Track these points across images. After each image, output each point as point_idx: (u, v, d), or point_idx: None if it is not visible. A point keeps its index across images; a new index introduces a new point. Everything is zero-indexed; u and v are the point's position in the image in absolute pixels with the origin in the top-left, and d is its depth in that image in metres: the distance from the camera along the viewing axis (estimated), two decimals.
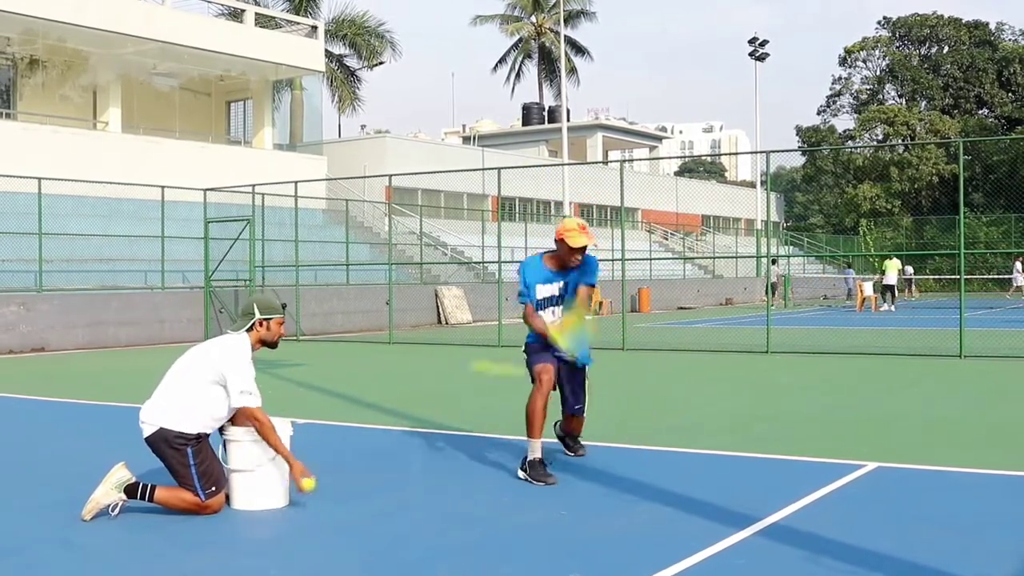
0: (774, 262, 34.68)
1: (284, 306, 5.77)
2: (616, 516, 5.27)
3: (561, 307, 6.41)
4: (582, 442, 6.97)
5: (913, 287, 42.95)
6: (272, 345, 5.67)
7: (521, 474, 6.17)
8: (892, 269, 29.69)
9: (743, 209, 51.75)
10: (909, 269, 42.73)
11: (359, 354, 17.31)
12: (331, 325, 22.96)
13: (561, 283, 6.37)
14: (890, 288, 29.81)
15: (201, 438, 5.38)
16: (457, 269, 30.51)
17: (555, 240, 6.27)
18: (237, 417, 5.48)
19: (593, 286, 6.40)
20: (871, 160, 57.63)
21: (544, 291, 6.37)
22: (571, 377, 6.51)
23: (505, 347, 17.70)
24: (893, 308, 29.60)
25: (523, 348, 6.50)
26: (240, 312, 5.71)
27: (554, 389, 6.36)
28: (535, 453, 6.14)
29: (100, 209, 23.22)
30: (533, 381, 6.30)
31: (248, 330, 5.56)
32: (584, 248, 6.20)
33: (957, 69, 59.35)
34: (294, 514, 5.39)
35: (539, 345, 6.36)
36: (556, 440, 6.96)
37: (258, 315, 5.57)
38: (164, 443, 5.32)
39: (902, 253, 42.87)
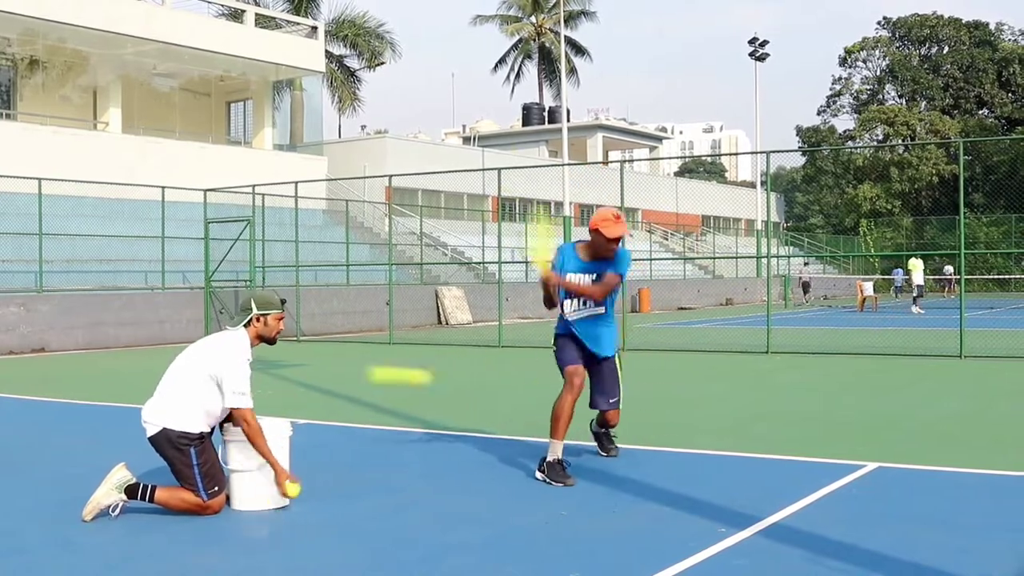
0: (805, 263, 36.18)
1: (283, 301, 5.72)
2: (616, 516, 5.27)
3: (587, 299, 6.25)
4: (617, 445, 6.94)
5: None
6: (270, 341, 5.64)
7: (539, 475, 6.05)
8: (917, 269, 29.53)
9: (743, 209, 51.76)
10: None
11: (359, 354, 17.29)
12: (331, 325, 22.95)
13: (593, 275, 6.18)
14: (919, 288, 29.62)
15: (204, 437, 5.38)
16: (457, 269, 30.51)
17: (589, 230, 6.11)
18: (233, 417, 5.45)
19: (622, 276, 6.21)
20: (871, 160, 57.65)
21: (573, 281, 6.20)
22: (596, 375, 6.40)
23: (506, 347, 17.72)
24: (918, 310, 29.08)
25: (552, 340, 6.44)
26: (238, 308, 5.68)
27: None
28: (555, 454, 6.02)
29: (100, 209, 23.24)
30: (563, 377, 6.20)
31: (246, 326, 5.56)
32: (620, 239, 6.08)
33: (957, 69, 59.37)
34: (294, 514, 5.39)
35: (568, 338, 6.28)
36: (584, 441, 6.90)
37: (255, 311, 5.55)
38: (168, 443, 5.31)
39: (902, 253, 42.83)
